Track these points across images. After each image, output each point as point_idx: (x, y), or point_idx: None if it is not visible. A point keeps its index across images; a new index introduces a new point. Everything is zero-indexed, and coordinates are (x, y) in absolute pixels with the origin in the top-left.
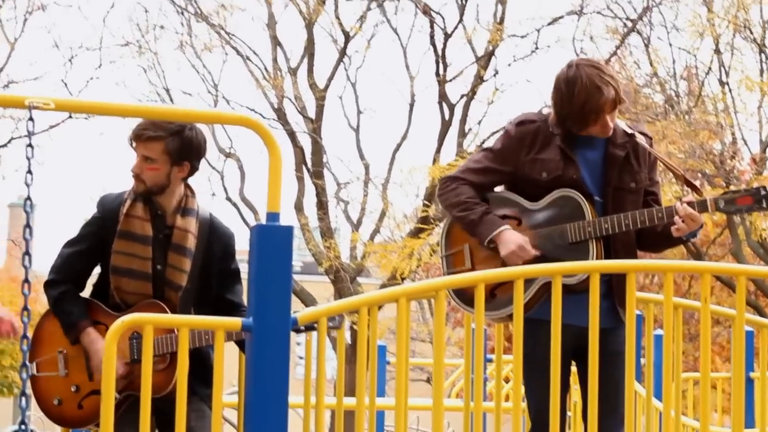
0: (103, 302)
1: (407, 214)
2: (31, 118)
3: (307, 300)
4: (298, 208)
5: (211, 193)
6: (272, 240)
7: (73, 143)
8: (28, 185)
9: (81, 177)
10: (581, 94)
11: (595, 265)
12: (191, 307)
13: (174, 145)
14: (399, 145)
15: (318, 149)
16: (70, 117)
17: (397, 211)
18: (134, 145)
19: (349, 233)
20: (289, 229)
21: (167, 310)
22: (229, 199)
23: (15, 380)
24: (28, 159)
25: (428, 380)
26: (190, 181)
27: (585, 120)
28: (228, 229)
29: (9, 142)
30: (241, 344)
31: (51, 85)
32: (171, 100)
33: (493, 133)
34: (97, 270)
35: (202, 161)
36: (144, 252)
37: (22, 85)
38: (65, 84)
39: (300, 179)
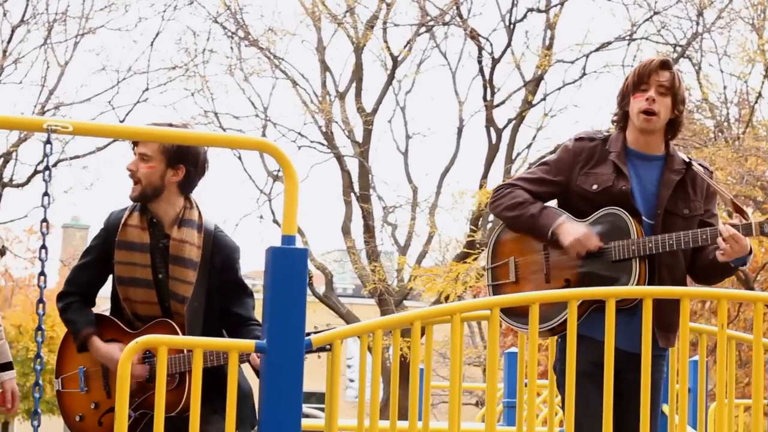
0: (119, 318)
1: (458, 239)
2: (48, 141)
3: (352, 322)
4: (345, 231)
5: (258, 215)
6: (287, 262)
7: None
8: (45, 207)
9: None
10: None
11: (648, 290)
12: (201, 323)
13: (170, 144)
14: (447, 170)
15: (365, 173)
16: (115, 140)
17: (444, 236)
18: (134, 148)
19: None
20: (303, 252)
21: (177, 329)
22: (276, 221)
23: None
24: (45, 182)
25: (477, 404)
26: (238, 204)
27: (637, 81)
28: (232, 242)
29: (56, 164)
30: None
31: (99, 108)
32: (220, 123)
33: (542, 159)
34: (110, 284)
35: (223, 179)
36: (143, 260)
37: (71, 108)
38: (112, 107)
39: (347, 203)
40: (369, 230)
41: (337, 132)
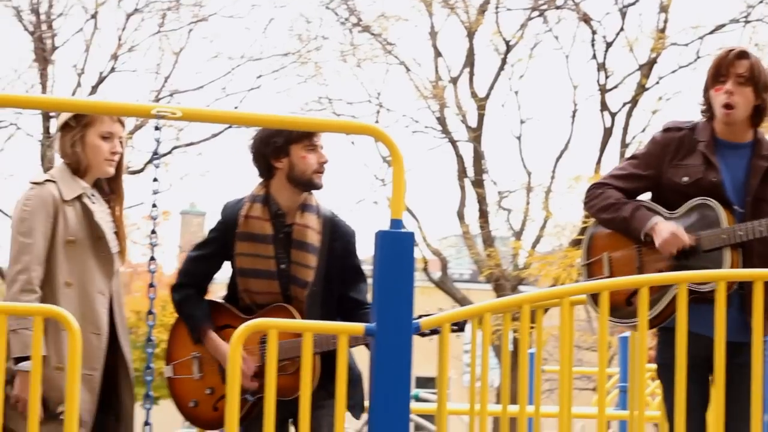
0: (235, 305)
1: (574, 223)
2: (157, 127)
3: None
4: (460, 216)
5: (373, 201)
6: (395, 246)
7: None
8: (155, 192)
9: (248, 185)
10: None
11: (760, 273)
12: (319, 308)
13: None
14: (561, 154)
15: (478, 158)
16: (229, 126)
17: (560, 220)
18: (313, 140)
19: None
20: (410, 236)
21: (295, 314)
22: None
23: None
24: (156, 167)
25: (595, 389)
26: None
27: (715, 74)
28: (349, 227)
29: (171, 151)
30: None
31: (214, 95)
32: (333, 109)
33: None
34: (229, 274)
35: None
36: (266, 251)
37: (185, 95)
38: (226, 94)
39: (462, 188)
40: (483, 215)
41: (450, 117)
